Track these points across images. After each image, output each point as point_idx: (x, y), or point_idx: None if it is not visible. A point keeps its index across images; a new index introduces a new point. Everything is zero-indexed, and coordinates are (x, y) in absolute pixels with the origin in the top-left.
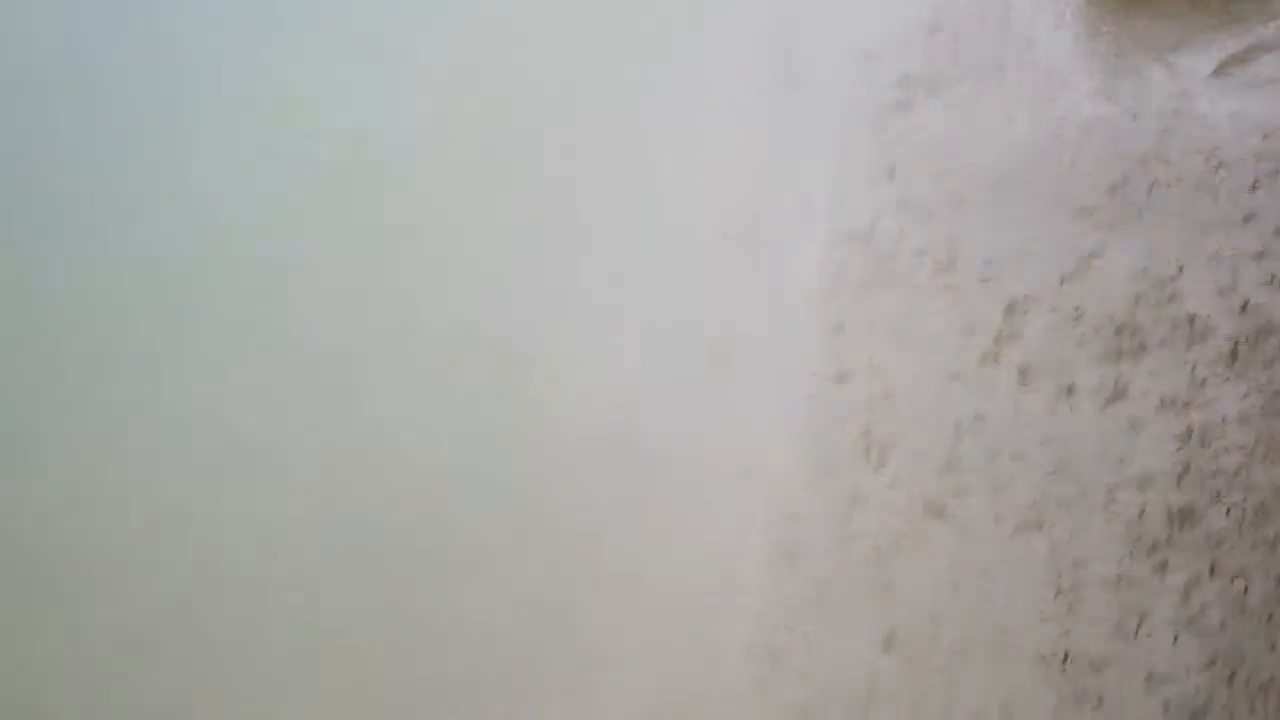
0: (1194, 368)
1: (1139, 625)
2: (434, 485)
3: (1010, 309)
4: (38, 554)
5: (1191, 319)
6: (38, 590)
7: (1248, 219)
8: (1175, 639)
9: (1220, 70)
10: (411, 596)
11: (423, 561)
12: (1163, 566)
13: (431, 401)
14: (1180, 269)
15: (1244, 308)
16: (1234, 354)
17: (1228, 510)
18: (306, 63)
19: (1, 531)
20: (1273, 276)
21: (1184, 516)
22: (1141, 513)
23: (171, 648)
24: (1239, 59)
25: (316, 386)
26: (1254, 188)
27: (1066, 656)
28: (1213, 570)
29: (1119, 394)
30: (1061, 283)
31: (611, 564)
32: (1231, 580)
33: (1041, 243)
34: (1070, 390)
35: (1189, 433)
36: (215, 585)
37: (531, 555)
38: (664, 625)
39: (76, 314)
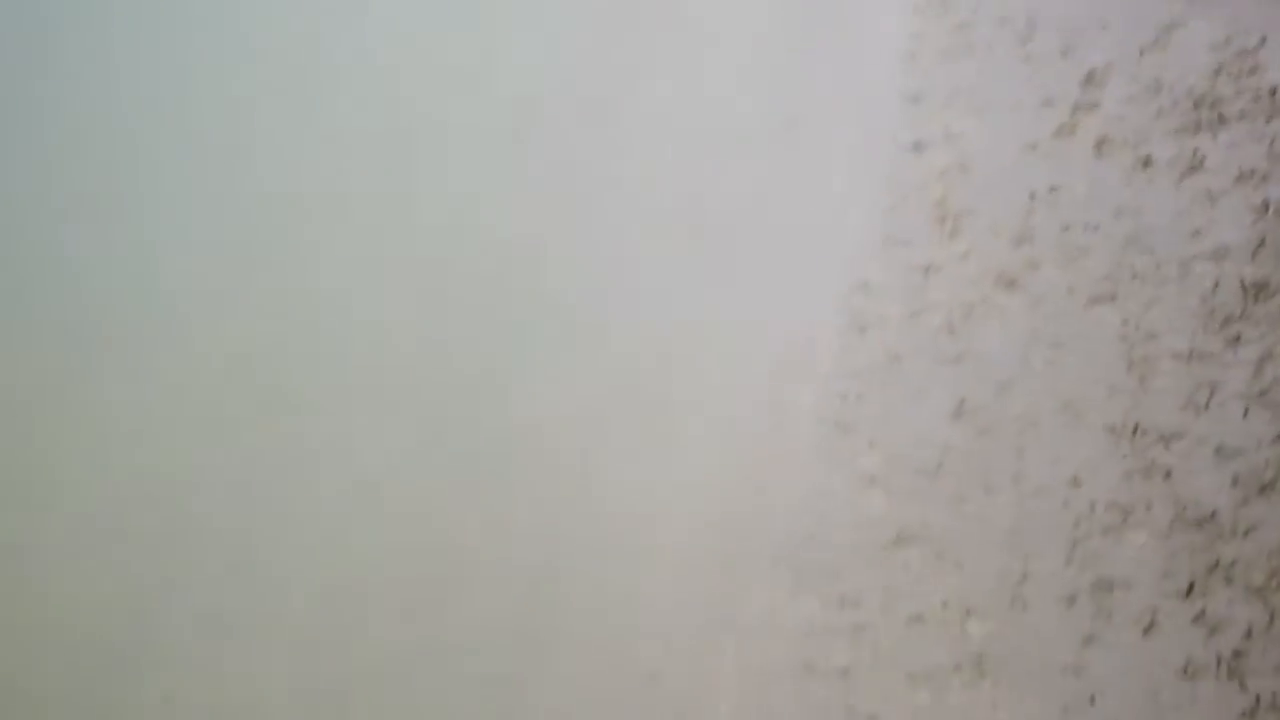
0: (1273, 140)
1: (1210, 398)
2: (505, 250)
3: (1088, 80)
4: (114, 306)
5: (1273, 91)
6: (115, 335)
7: None
8: (1246, 412)
9: None
10: (480, 363)
11: (491, 324)
12: (1235, 340)
13: (504, 168)
14: (1263, 39)
15: None
16: None
17: None
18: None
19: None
20: None
21: (1258, 289)
22: (1215, 285)
23: (239, 404)
24: None
25: (383, 148)
26: None
27: (1136, 429)
28: None
29: (1196, 166)
30: (1141, 53)
31: (680, 329)
32: None
33: (1121, 12)
34: (1147, 162)
35: (1265, 206)
36: (282, 341)
37: (599, 320)
38: (733, 391)
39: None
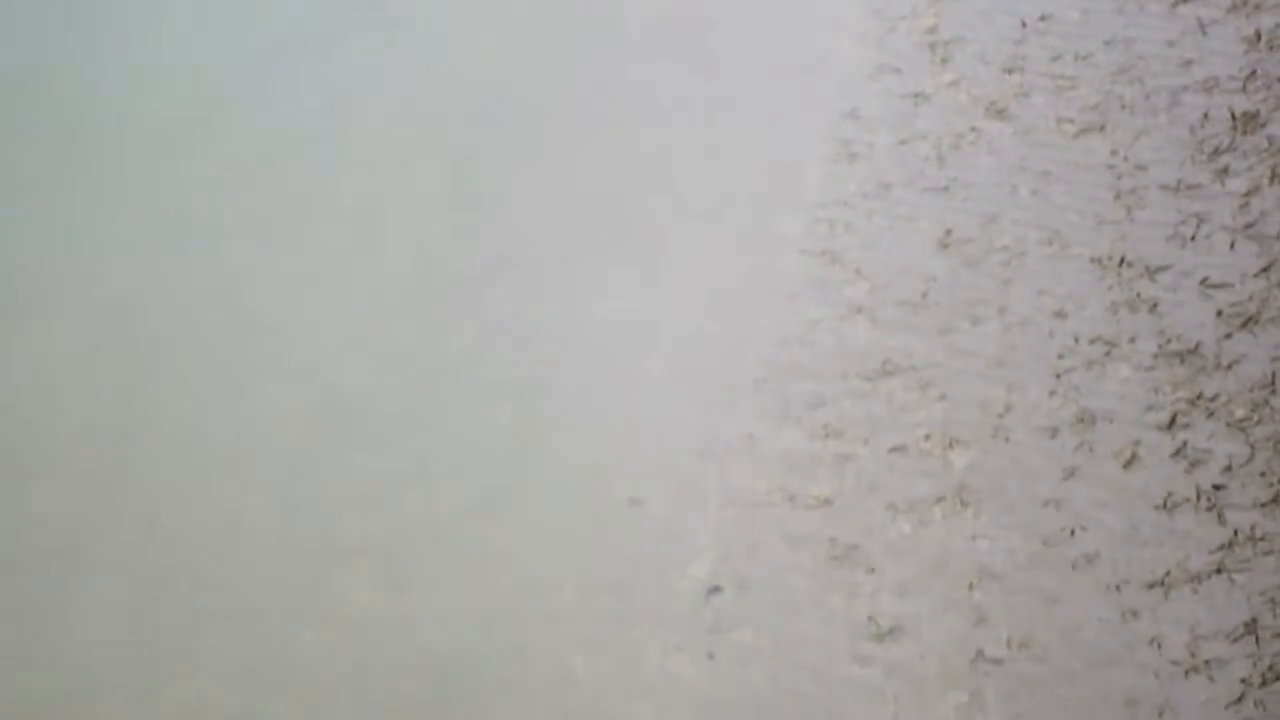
0: None
1: (1197, 230)
2: (499, 72)
3: None
4: (101, 120)
5: None
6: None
7: None
8: (1232, 245)
9: None
10: (470, 183)
11: (480, 150)
12: (1223, 172)
13: None
14: None
15: None
16: None
17: None
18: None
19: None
20: None
21: (1247, 120)
22: (1205, 116)
23: (229, 223)
24: None
25: None
26: None
27: (1123, 260)
28: (1273, 176)
29: None
30: None
31: (672, 154)
32: None
33: None
34: None
35: (1257, 35)
36: (276, 162)
37: (588, 141)
38: (723, 218)
39: None
